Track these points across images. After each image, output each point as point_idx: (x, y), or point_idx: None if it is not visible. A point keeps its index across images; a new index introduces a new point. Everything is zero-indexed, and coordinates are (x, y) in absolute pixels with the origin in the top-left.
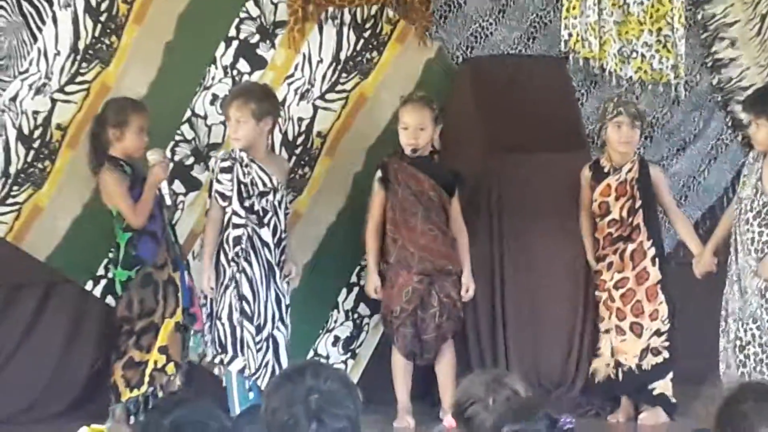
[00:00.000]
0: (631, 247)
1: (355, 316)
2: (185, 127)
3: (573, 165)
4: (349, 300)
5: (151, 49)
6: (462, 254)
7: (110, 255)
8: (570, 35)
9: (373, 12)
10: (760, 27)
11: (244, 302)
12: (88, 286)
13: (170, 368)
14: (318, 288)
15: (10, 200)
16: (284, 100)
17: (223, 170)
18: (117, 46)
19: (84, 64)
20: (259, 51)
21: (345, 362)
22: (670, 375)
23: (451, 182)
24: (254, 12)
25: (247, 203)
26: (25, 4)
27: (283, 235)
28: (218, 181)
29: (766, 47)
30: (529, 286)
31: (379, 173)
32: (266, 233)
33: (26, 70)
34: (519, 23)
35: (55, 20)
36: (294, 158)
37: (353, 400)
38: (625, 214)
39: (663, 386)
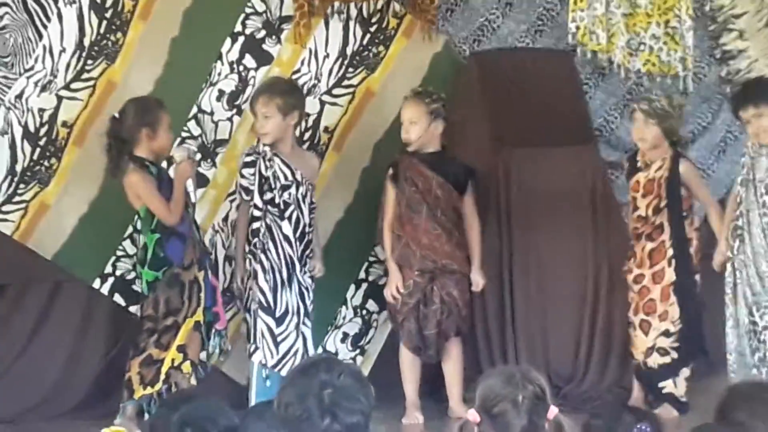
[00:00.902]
0: (651, 245)
1: (364, 312)
2: (192, 124)
3: (580, 158)
4: (358, 296)
5: (157, 45)
6: (474, 249)
7: (118, 252)
8: (577, 28)
9: (379, 6)
10: None
11: (261, 294)
12: (96, 284)
13: (186, 367)
14: (326, 284)
15: (17, 198)
16: None
17: (246, 165)
18: (122, 42)
19: (89, 61)
20: (265, 46)
21: (353, 359)
22: (684, 374)
23: (463, 179)
24: (260, 7)
25: (267, 196)
26: (30, 2)
27: (308, 229)
28: (242, 176)
29: None
30: (538, 281)
31: (390, 171)
32: (287, 226)
33: (32, 68)
34: (526, 16)
35: (60, 17)
36: None
37: (366, 395)
38: (650, 212)
39: (671, 385)
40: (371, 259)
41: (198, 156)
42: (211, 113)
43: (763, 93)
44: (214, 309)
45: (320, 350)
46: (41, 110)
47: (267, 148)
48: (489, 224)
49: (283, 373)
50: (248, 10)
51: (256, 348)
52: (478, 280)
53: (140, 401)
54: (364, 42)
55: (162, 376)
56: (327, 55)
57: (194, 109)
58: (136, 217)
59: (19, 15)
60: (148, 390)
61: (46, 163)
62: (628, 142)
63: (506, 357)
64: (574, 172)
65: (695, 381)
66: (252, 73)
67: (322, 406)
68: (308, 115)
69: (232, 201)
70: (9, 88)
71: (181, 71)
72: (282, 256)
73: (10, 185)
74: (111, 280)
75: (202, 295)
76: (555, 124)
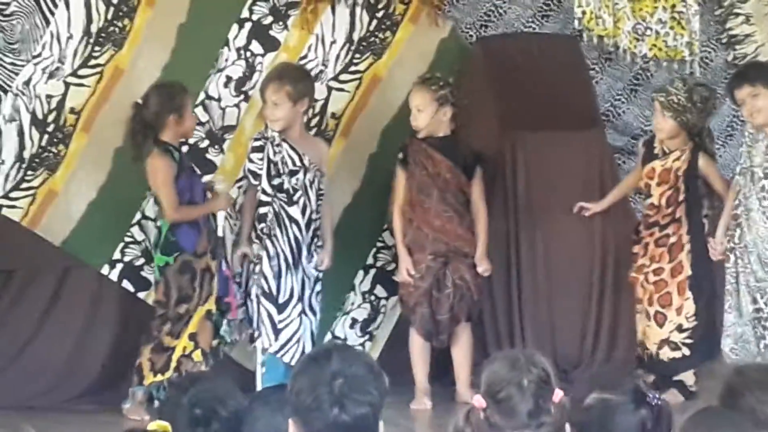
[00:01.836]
0: (672, 239)
1: (372, 298)
2: (199, 110)
3: (587, 143)
4: (366, 282)
5: (164, 31)
6: (480, 234)
7: (126, 239)
8: (584, 13)
9: None
10: None
11: (263, 279)
12: (104, 270)
13: (197, 355)
14: (334, 270)
15: (25, 185)
16: None
17: (254, 149)
18: (130, 29)
19: (97, 48)
20: (272, 32)
21: (362, 344)
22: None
23: (471, 163)
24: None
25: (275, 181)
26: None
27: (314, 216)
28: (250, 161)
29: None
30: (545, 266)
31: (400, 155)
32: (295, 211)
33: (39, 54)
34: (533, 2)
35: (67, 4)
36: None
37: (378, 386)
38: (663, 201)
39: (682, 375)
40: (379, 244)
41: (205, 142)
42: (219, 99)
43: (759, 73)
44: (226, 299)
45: (329, 336)
46: (49, 97)
47: (275, 134)
48: (496, 208)
49: (286, 359)
50: None
51: (259, 334)
52: (484, 265)
53: (150, 388)
54: (371, 28)
55: (173, 364)
56: (334, 41)
57: (202, 95)
58: (144, 202)
59: (26, 1)
60: (159, 377)
61: (54, 150)
62: (635, 127)
63: (513, 341)
64: (581, 157)
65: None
66: (259, 59)
67: (333, 395)
68: (315, 101)
69: (239, 187)
70: (17, 74)
71: (188, 57)
72: (289, 241)
73: (18, 172)
74: (120, 266)
75: (214, 284)
76: (562, 109)
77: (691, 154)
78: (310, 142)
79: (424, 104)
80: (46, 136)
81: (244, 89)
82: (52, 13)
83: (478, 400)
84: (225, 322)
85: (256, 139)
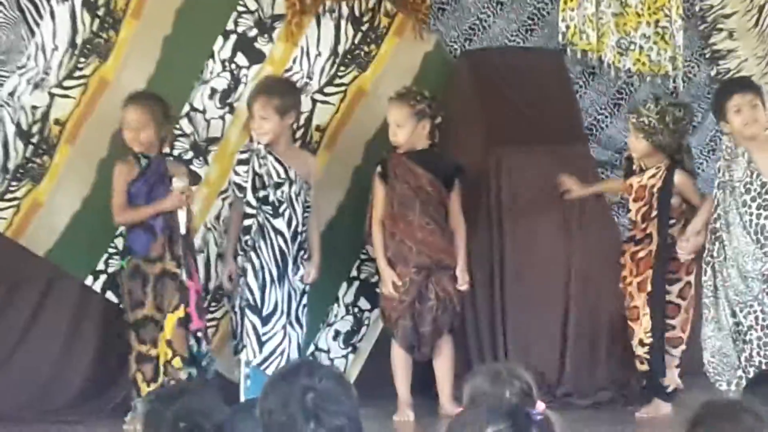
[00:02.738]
0: (641, 254)
1: (356, 310)
2: (184, 122)
3: (571, 157)
4: (350, 294)
5: (150, 43)
6: (458, 248)
7: (110, 249)
8: (568, 27)
9: (371, 5)
10: (758, 18)
11: (248, 292)
12: (88, 281)
13: (176, 362)
14: (318, 282)
15: (9, 195)
16: None
17: (240, 162)
18: (115, 40)
19: (82, 59)
20: (257, 45)
21: (345, 356)
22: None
23: (451, 175)
24: (252, 5)
25: (261, 194)
26: None
27: (300, 228)
28: (236, 173)
29: (764, 38)
30: (527, 279)
31: (378, 168)
32: (280, 223)
33: (24, 65)
34: (517, 15)
35: (52, 15)
36: None
37: (349, 397)
38: (639, 218)
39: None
40: (363, 257)
41: (190, 154)
42: (204, 111)
43: (756, 86)
44: (187, 309)
45: (312, 348)
46: (34, 108)
47: (261, 146)
48: (480, 221)
49: (269, 372)
50: (240, 9)
51: (243, 346)
52: (463, 278)
53: None
54: (356, 41)
55: (161, 373)
56: (319, 54)
57: (186, 107)
58: None
59: (11, 12)
60: (152, 386)
61: (38, 161)
62: (619, 141)
63: (496, 354)
64: (564, 170)
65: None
66: (244, 71)
67: (306, 410)
68: (300, 113)
69: (224, 199)
70: (1, 85)
71: (173, 69)
72: (274, 254)
73: (2, 183)
74: (103, 277)
75: (188, 290)
76: (545, 123)
77: (666, 171)
78: (297, 155)
79: (402, 120)
80: (30, 147)
81: (229, 101)
82: (38, 24)
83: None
84: (193, 340)
85: (242, 152)
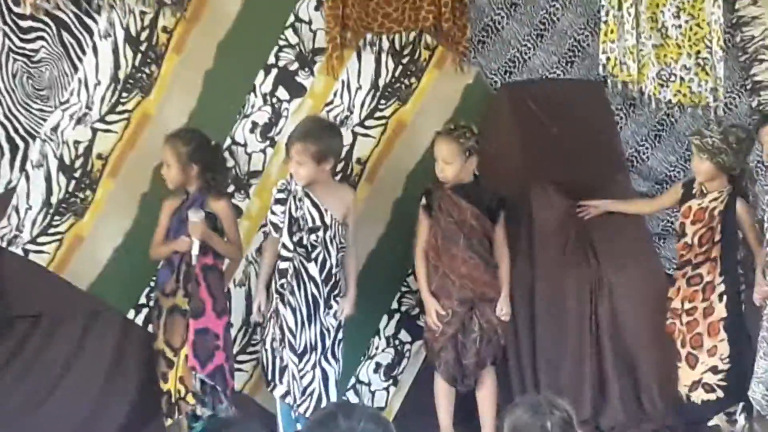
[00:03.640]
0: (707, 278)
1: (396, 342)
2: (225, 155)
3: (612, 188)
4: (390, 326)
5: (191, 77)
6: (502, 278)
7: (151, 283)
8: (608, 59)
9: (411, 38)
10: None
11: (288, 332)
12: (130, 314)
13: (190, 398)
14: (359, 315)
15: (52, 230)
16: None
17: (277, 201)
18: (157, 75)
19: (125, 94)
20: (298, 78)
21: (387, 389)
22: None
23: (495, 208)
24: (293, 39)
25: (296, 237)
26: (65, 35)
27: (334, 270)
28: (272, 212)
29: None
30: (568, 310)
31: (423, 200)
32: (313, 268)
33: (67, 101)
34: (557, 48)
35: (95, 50)
36: None
37: None
38: (696, 240)
39: (717, 419)
40: (404, 289)
41: (231, 188)
42: (245, 145)
43: None
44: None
45: (353, 380)
46: (76, 143)
47: (298, 187)
48: (521, 252)
49: (301, 410)
50: (281, 43)
51: (276, 384)
52: (504, 309)
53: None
54: (396, 74)
55: (174, 410)
56: (359, 87)
57: (228, 141)
58: None
59: (55, 48)
60: (169, 421)
61: (81, 195)
62: (659, 173)
63: (538, 386)
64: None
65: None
66: (285, 105)
67: None
68: (340, 156)
69: (265, 232)
70: (45, 120)
71: (214, 103)
72: (306, 298)
73: (45, 217)
74: (145, 310)
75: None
76: (586, 155)
77: (729, 196)
78: (335, 192)
79: (451, 156)
80: (73, 182)
81: (270, 135)
82: (81, 60)
83: None
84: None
85: (280, 191)
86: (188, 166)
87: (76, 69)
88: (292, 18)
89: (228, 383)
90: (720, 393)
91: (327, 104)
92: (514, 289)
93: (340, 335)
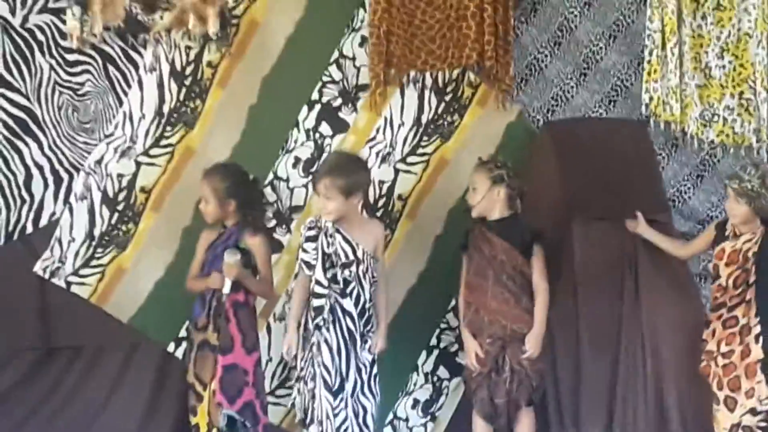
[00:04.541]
0: (741, 321)
1: (435, 378)
2: (267, 190)
3: (654, 227)
4: (429, 362)
5: (235, 112)
6: (537, 313)
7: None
8: (651, 99)
9: (454, 76)
10: None
11: (324, 370)
12: (170, 347)
13: None
14: (398, 350)
15: (94, 262)
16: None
17: (308, 239)
18: (201, 109)
19: (168, 128)
20: (341, 114)
21: (424, 425)
22: None
23: (530, 242)
24: (337, 76)
25: (329, 273)
26: (111, 69)
27: (367, 305)
28: (304, 250)
29: None
30: (608, 349)
31: (463, 240)
32: (348, 303)
33: (112, 134)
34: (600, 86)
35: (140, 84)
36: None
37: None
38: (731, 282)
39: None
40: (443, 326)
41: (273, 222)
42: (287, 180)
43: None
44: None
45: (391, 416)
46: (120, 175)
47: (329, 224)
48: (562, 288)
49: None
50: (325, 79)
51: (311, 421)
52: (531, 347)
53: None
54: (439, 111)
55: None
56: (402, 124)
57: (270, 176)
58: None
59: (100, 82)
60: None
61: (123, 228)
62: (701, 213)
63: (578, 425)
64: (647, 241)
65: None
66: (327, 140)
67: None
68: (382, 182)
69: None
70: (89, 153)
71: (258, 138)
72: (342, 333)
73: (88, 249)
74: (185, 344)
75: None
76: (628, 193)
77: (762, 237)
78: (364, 226)
79: (478, 183)
80: (116, 215)
81: (312, 170)
82: (126, 94)
83: None
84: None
85: (310, 228)
86: (226, 201)
87: (121, 102)
88: (336, 54)
89: (259, 419)
90: None
91: (369, 140)
92: (556, 326)
93: (375, 370)
